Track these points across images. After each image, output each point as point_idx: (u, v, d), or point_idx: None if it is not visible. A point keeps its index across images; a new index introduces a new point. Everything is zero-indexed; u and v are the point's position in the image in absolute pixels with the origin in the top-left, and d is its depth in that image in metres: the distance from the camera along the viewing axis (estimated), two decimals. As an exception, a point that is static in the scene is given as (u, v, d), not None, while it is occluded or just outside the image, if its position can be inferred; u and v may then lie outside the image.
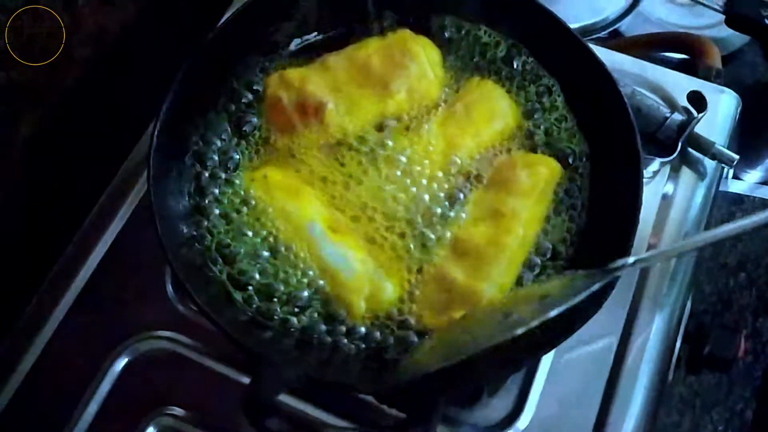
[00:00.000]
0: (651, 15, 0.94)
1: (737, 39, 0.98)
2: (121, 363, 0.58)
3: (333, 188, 0.53)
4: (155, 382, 0.58)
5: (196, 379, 0.58)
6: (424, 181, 0.53)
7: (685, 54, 0.80)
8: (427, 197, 0.53)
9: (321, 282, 0.50)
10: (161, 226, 0.47)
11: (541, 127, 0.55)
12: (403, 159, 0.54)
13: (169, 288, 0.60)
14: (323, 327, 0.49)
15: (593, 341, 0.58)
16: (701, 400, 0.83)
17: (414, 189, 0.53)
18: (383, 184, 0.53)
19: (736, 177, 0.94)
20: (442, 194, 0.53)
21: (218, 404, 0.57)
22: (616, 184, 0.50)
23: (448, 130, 0.55)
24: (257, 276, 0.50)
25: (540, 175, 0.52)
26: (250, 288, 0.50)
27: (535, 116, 0.55)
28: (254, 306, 0.49)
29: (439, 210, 0.52)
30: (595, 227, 0.51)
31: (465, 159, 0.54)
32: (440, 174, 0.54)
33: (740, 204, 0.93)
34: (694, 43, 0.78)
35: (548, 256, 0.51)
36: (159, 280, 0.60)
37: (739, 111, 0.69)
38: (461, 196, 0.53)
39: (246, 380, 0.57)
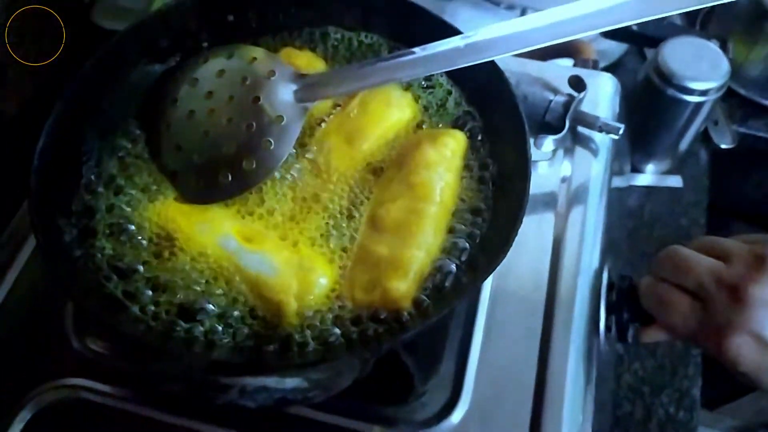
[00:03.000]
0: (533, 36, 1.00)
1: (617, 49, 1.06)
2: (25, 418, 0.53)
3: (239, 203, 0.52)
4: (65, 434, 0.53)
5: (111, 425, 0.54)
6: (333, 180, 0.54)
7: (567, 56, 0.85)
8: (338, 195, 0.53)
9: (248, 295, 0.49)
10: (44, 244, 0.45)
11: (434, 104, 0.57)
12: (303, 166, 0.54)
13: (72, 333, 0.56)
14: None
15: (519, 319, 0.57)
16: (649, 386, 0.83)
17: (321, 192, 0.53)
18: (290, 194, 0.53)
19: (638, 171, 0.98)
20: (354, 186, 0.54)
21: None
22: (509, 147, 0.52)
23: (346, 130, 0.56)
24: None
25: (447, 146, 0.53)
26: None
27: (426, 95, 0.57)
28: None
29: (353, 199, 0.53)
30: (503, 188, 0.52)
31: (369, 151, 0.55)
32: (348, 170, 0.54)
33: (649, 195, 0.97)
34: (571, 46, 0.84)
35: (470, 218, 0.51)
36: (60, 328, 0.56)
37: (619, 91, 0.73)
38: (372, 181, 0.54)
39: (163, 417, 0.53)
